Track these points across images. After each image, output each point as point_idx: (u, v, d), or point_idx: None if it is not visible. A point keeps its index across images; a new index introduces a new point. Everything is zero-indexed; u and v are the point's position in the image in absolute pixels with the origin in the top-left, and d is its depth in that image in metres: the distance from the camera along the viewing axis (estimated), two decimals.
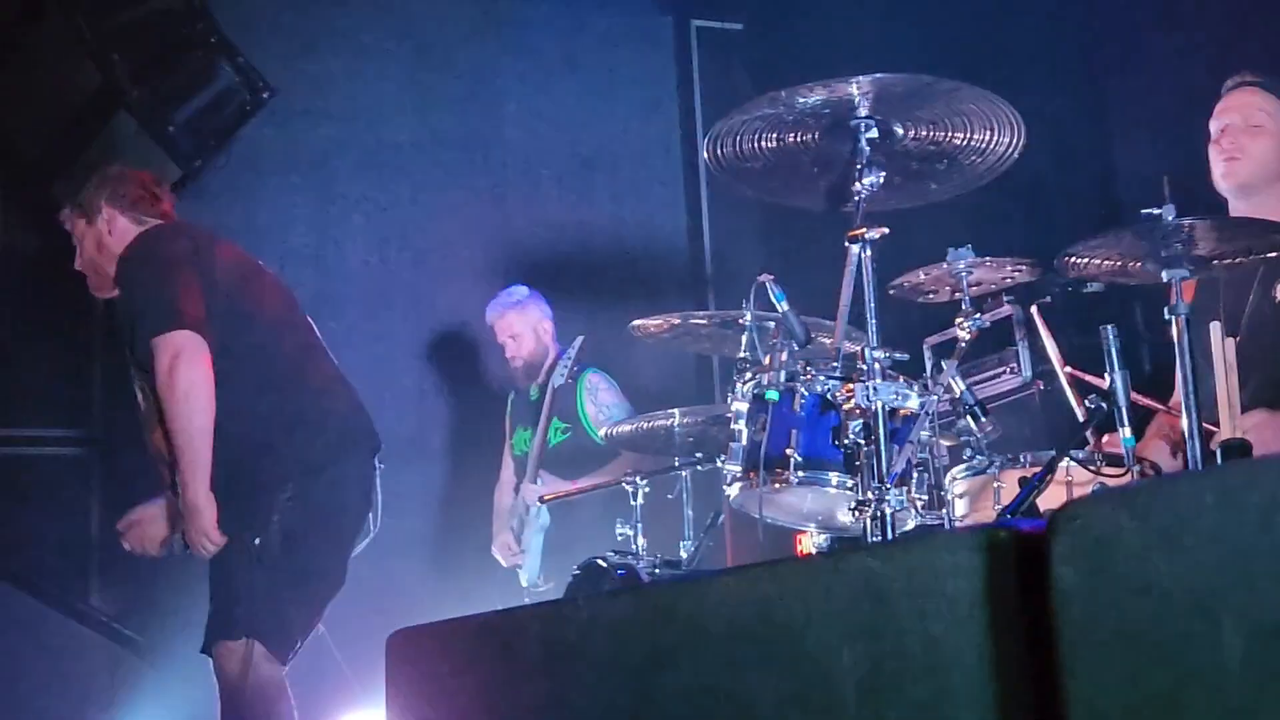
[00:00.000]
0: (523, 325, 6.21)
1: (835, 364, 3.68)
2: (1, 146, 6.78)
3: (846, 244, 3.64)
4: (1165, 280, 3.37)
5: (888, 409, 3.53)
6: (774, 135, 3.79)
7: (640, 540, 4.92)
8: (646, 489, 5.03)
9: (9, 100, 6.67)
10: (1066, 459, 3.61)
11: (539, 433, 5.95)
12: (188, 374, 3.91)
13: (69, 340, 6.81)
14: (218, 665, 3.99)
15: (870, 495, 3.46)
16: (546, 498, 5.77)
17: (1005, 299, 3.92)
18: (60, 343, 6.83)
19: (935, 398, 3.63)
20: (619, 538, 4.99)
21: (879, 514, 3.43)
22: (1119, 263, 3.52)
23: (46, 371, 6.82)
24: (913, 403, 3.60)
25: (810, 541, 4.14)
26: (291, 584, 4.05)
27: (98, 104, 6.41)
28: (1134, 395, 3.64)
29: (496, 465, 6.46)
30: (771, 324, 4.10)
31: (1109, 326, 3.54)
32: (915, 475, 3.61)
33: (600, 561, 4.60)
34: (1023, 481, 3.50)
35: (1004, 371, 4.55)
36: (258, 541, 4.01)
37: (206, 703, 6.27)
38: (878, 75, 3.52)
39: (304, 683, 4.32)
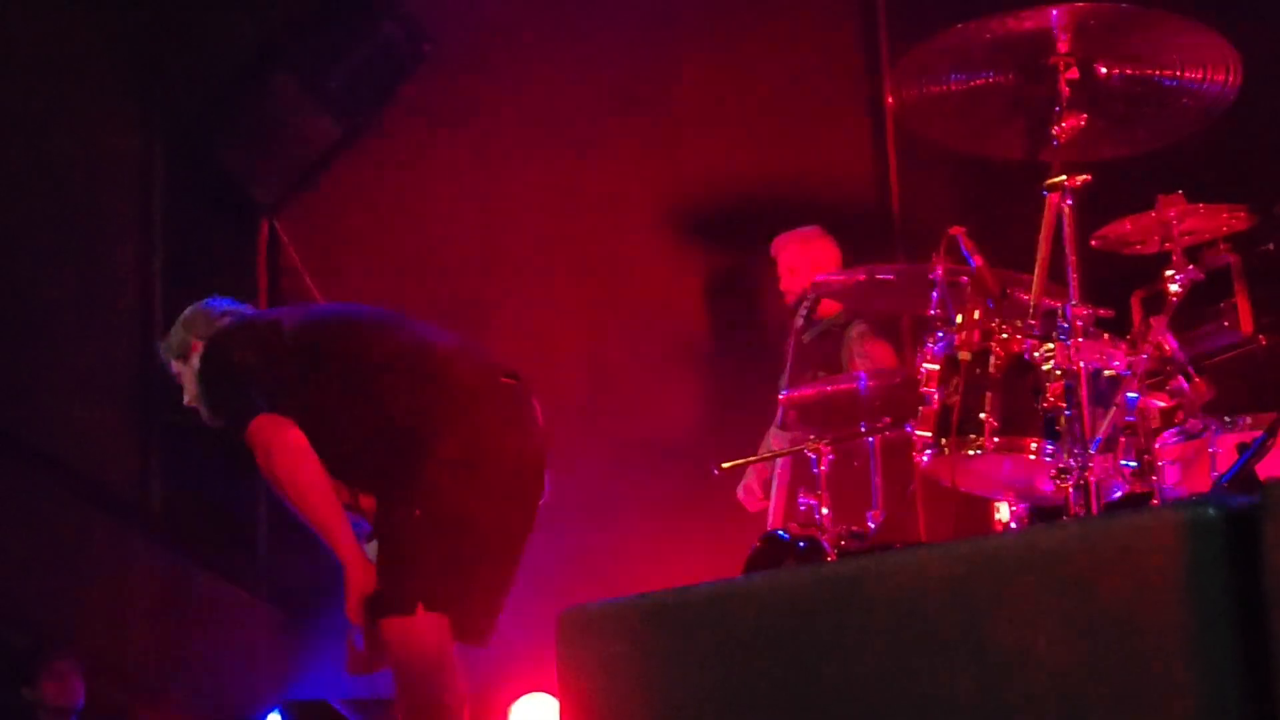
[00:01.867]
0: (803, 260, 6.16)
1: (1033, 322, 3.62)
2: (163, 106, 7.01)
3: (1045, 193, 3.58)
4: None
5: (1091, 370, 3.47)
6: (964, 75, 3.74)
7: (824, 510, 4.90)
8: (831, 456, 5.00)
9: (169, 60, 6.88)
10: None
11: (786, 379, 5.91)
12: (279, 456, 4.19)
13: (234, 296, 7.02)
14: (387, 640, 4.12)
15: (1073, 463, 3.40)
16: (725, 467, 5.78)
17: (1223, 247, 3.82)
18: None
19: (1143, 356, 3.55)
20: (802, 508, 4.98)
21: (1082, 483, 3.38)
22: None
23: None
24: (1119, 363, 3.53)
25: (1008, 512, 4.10)
26: (458, 552, 4.15)
27: (256, 62, 6.57)
28: None
29: (681, 422, 6.50)
30: (964, 279, 4.04)
31: None
32: (1122, 441, 3.55)
33: (782, 533, 4.61)
34: (1241, 447, 3.41)
35: (1220, 326, 4.44)
36: (418, 513, 4.13)
37: (380, 672, 6.47)
38: (1077, 3, 3.45)
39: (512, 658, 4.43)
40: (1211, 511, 1.54)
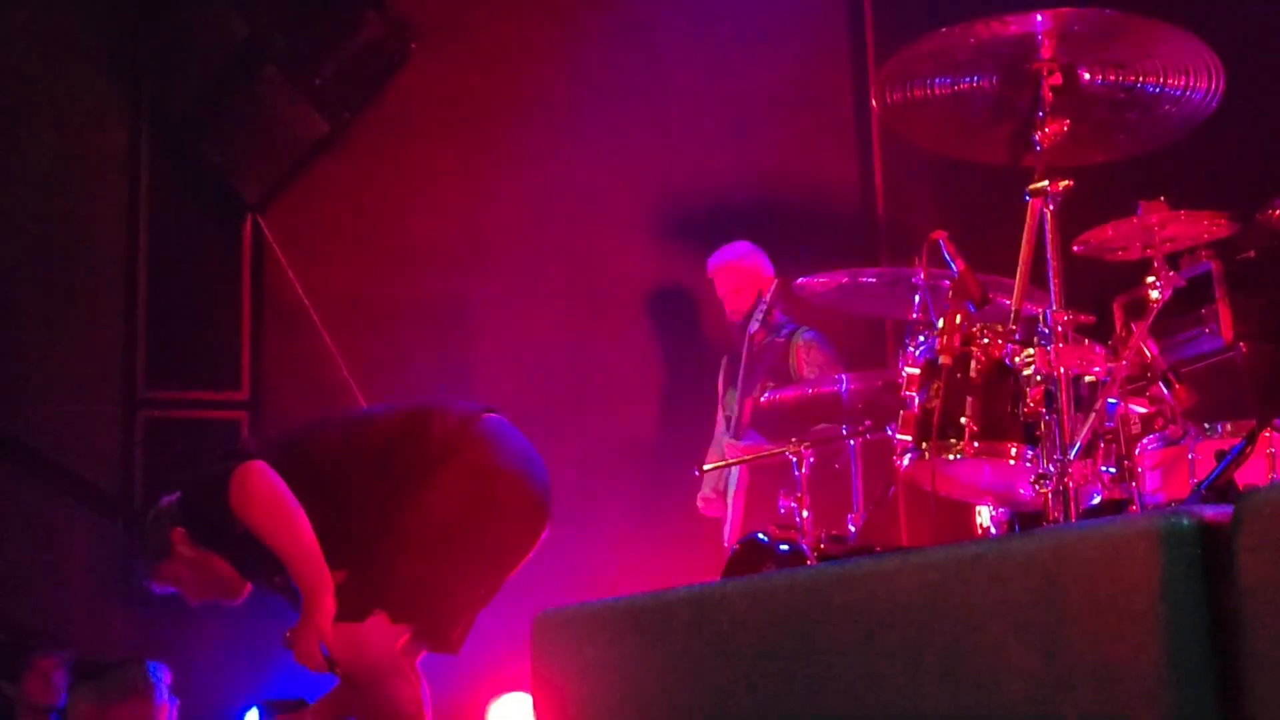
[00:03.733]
0: (743, 280, 6.19)
1: (1014, 327, 3.61)
2: (151, 101, 6.98)
3: (1027, 198, 3.58)
4: None
5: (1072, 375, 3.47)
6: (948, 79, 3.73)
7: (804, 514, 4.89)
8: (812, 459, 5.00)
9: (157, 54, 6.86)
10: (1270, 429, 3.50)
11: (739, 388, 5.94)
12: (259, 494, 4.03)
13: (217, 302, 7.00)
14: (335, 642, 4.04)
15: (1052, 468, 3.40)
16: (706, 468, 5.79)
17: (1204, 254, 3.82)
18: (209, 305, 7.03)
19: (1124, 363, 3.55)
20: (782, 510, 4.98)
21: (1061, 488, 3.37)
22: None
23: (196, 334, 7.01)
24: (1099, 368, 3.53)
25: (988, 516, 4.09)
26: (437, 572, 4.11)
27: (244, 57, 6.55)
28: None
29: (657, 423, 6.51)
30: (946, 284, 4.04)
31: None
32: (1102, 446, 3.54)
33: (761, 536, 4.60)
34: (1220, 454, 3.41)
35: (1201, 333, 4.44)
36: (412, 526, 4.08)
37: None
38: (1061, 9, 3.44)
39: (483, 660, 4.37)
40: (1185, 522, 1.54)
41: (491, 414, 4.31)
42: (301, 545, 4.06)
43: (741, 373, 5.94)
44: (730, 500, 5.97)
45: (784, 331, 6.05)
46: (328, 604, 4.01)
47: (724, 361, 6.42)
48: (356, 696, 4.11)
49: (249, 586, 4.43)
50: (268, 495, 4.06)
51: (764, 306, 5.83)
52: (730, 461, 5.80)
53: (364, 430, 4.30)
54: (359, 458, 4.22)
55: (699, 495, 6.18)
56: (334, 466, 4.21)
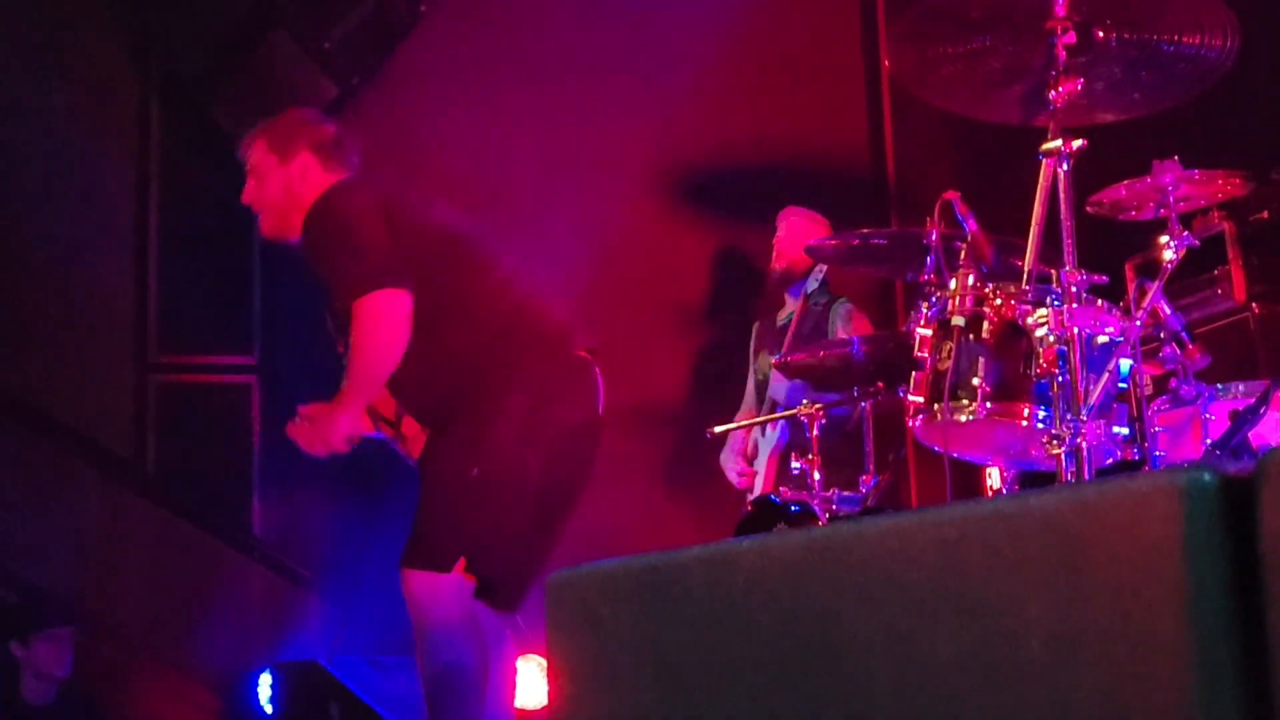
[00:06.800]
0: (808, 235, 6.17)
1: (1027, 287, 3.59)
2: (160, 67, 6.96)
3: (1041, 158, 3.55)
4: None
5: (1085, 336, 3.44)
6: (961, 39, 3.69)
7: (816, 475, 4.88)
8: (823, 420, 4.99)
9: (167, 19, 6.83)
10: None
11: (787, 345, 5.90)
12: (388, 333, 4.02)
13: (228, 267, 7.00)
14: (412, 593, 4.00)
15: (1065, 429, 3.38)
16: (717, 431, 5.77)
17: (1217, 214, 3.79)
18: (220, 269, 7.02)
19: (1137, 323, 3.53)
20: (794, 471, 4.97)
21: (1074, 450, 3.35)
22: None
23: (206, 299, 7.02)
24: (1112, 329, 3.50)
25: (999, 478, 4.08)
26: (508, 517, 4.08)
27: (253, 21, 6.53)
28: None
29: (659, 391, 6.49)
30: (959, 244, 4.02)
31: None
32: (1115, 407, 3.52)
33: (773, 498, 4.59)
34: (1234, 415, 3.39)
35: (1214, 294, 4.42)
36: (475, 473, 4.04)
37: (370, 634, 6.46)
38: None
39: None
40: (1208, 477, 1.52)
41: (585, 354, 4.30)
42: (377, 369, 4.04)
43: (792, 327, 5.91)
44: (764, 463, 5.92)
45: (823, 301, 6.03)
46: (360, 410, 4.04)
47: (755, 327, 6.39)
48: (427, 651, 4.01)
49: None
50: (389, 328, 4.01)
51: (822, 269, 5.79)
52: (740, 424, 5.78)
53: (494, 305, 4.24)
54: (477, 324, 4.19)
55: (734, 471, 6.11)
56: (451, 316, 4.16)
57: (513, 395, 4.10)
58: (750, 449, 6.06)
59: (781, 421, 5.73)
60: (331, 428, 4.02)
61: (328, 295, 4.20)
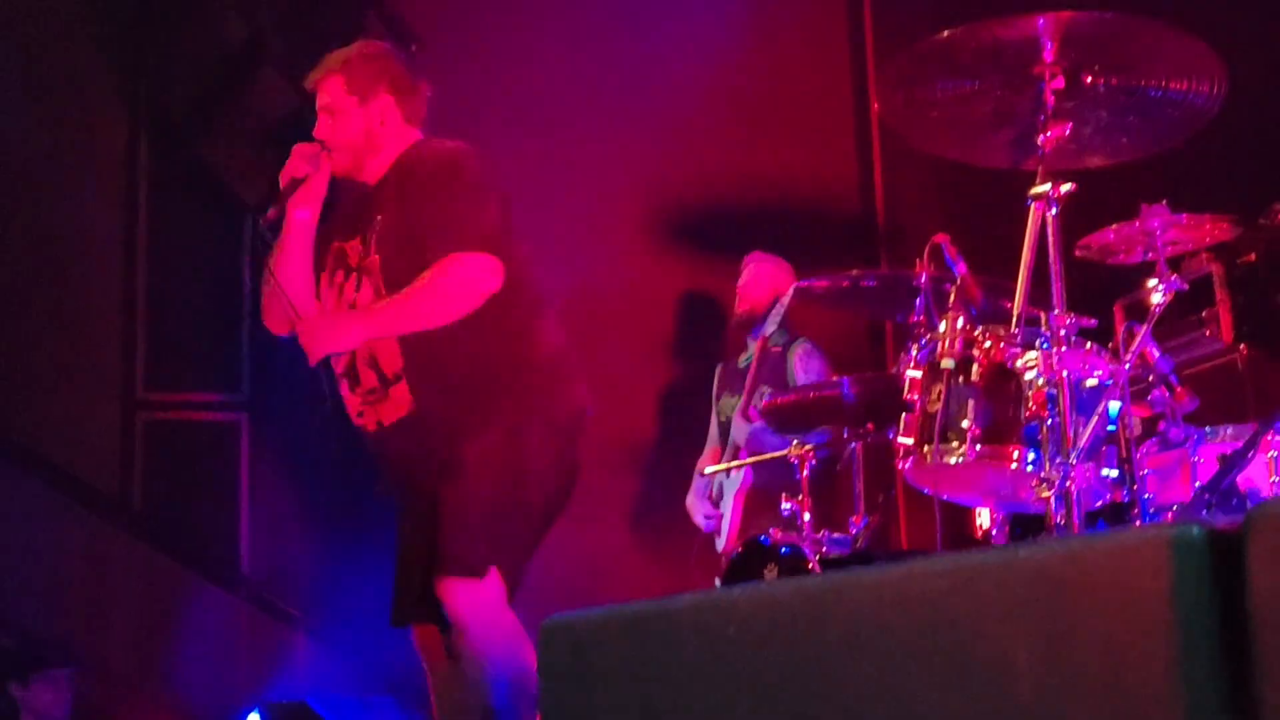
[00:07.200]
0: (772, 276, 6.22)
1: (1016, 330, 3.61)
2: (149, 103, 6.98)
3: (1029, 202, 3.57)
4: None
5: (1074, 379, 3.46)
6: (950, 82, 3.72)
7: (806, 516, 4.90)
8: (813, 461, 5.00)
9: (156, 56, 6.86)
10: (1273, 433, 3.50)
11: (748, 384, 5.93)
12: (460, 292, 4.00)
13: (217, 303, 7.00)
14: (451, 603, 3.93)
15: (1054, 472, 3.39)
16: (707, 471, 5.78)
17: (1205, 256, 3.82)
18: (208, 306, 7.02)
19: (1126, 366, 3.55)
20: (784, 512, 4.98)
21: (1064, 492, 3.37)
22: None
23: (194, 336, 7.01)
24: (1101, 372, 3.52)
25: (988, 519, 4.09)
26: (530, 525, 4.10)
27: (242, 58, 6.56)
28: None
29: (635, 429, 6.51)
30: (948, 286, 4.04)
31: None
32: (1104, 450, 3.54)
33: (764, 539, 4.60)
34: (1222, 459, 3.41)
35: (1203, 335, 4.44)
36: (512, 486, 4.04)
37: (358, 673, 6.44)
38: (1063, 12, 3.43)
39: None
40: (1196, 531, 1.53)
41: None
42: (419, 313, 3.99)
43: (752, 369, 5.94)
44: (729, 505, 5.95)
45: (783, 340, 6.08)
46: (364, 334, 4.00)
47: (718, 369, 6.44)
48: (481, 668, 3.94)
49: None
50: (466, 288, 4.00)
51: (782, 308, 5.83)
52: (729, 465, 5.79)
53: (542, 339, 4.26)
54: (530, 348, 4.20)
55: (700, 514, 6.13)
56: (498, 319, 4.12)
57: (555, 404, 4.16)
58: (715, 492, 6.08)
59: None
60: (333, 331, 3.99)
61: (398, 250, 4.13)
